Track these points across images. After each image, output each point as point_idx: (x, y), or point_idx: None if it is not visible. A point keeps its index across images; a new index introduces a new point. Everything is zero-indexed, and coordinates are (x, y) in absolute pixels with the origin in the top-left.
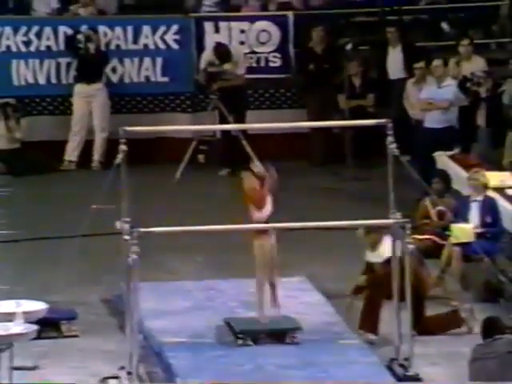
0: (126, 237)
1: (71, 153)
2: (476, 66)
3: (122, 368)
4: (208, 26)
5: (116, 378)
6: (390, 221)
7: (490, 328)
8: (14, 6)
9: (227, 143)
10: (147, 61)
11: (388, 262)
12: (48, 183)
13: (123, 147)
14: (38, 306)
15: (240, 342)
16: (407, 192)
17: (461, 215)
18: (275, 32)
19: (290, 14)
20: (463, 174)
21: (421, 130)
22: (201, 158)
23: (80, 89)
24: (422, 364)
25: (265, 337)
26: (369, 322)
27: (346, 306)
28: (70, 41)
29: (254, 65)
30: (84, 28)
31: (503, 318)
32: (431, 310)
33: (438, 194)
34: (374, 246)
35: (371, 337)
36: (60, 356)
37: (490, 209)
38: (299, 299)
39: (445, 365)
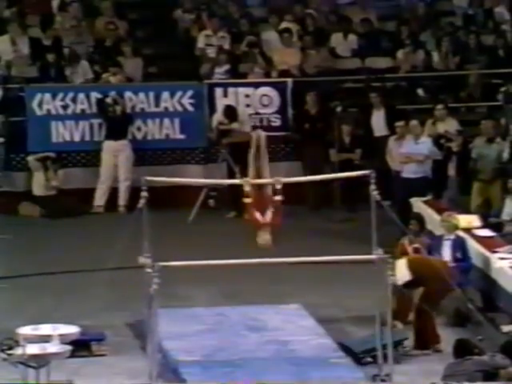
0: (148, 270)
1: (100, 198)
2: (450, 126)
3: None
4: (218, 92)
5: None
6: (374, 256)
7: (461, 349)
8: (54, 76)
9: (234, 190)
10: (167, 121)
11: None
12: (80, 224)
13: (145, 194)
14: (71, 330)
15: (363, 361)
16: (388, 232)
17: (434, 252)
18: (276, 96)
19: (289, 81)
20: (436, 216)
21: (399, 180)
22: (211, 202)
23: (108, 145)
24: (401, 379)
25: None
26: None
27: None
28: (100, 104)
29: (258, 124)
30: (112, 93)
31: (471, 339)
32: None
33: (414, 234)
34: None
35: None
36: (90, 372)
37: (460, 246)
38: (296, 323)
39: (421, 380)
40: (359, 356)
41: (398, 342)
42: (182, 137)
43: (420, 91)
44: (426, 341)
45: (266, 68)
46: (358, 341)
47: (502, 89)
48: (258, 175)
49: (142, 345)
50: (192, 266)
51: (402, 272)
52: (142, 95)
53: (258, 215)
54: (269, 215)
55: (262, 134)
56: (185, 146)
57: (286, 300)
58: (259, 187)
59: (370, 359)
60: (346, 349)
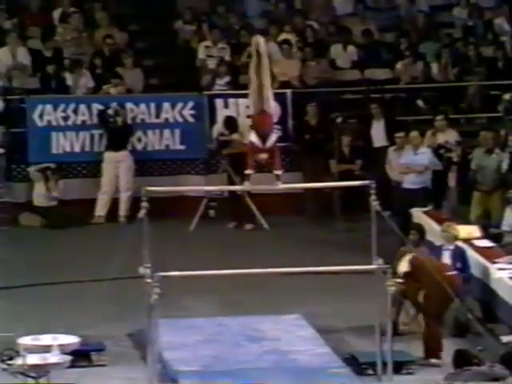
0: (148, 280)
1: (101, 209)
2: (450, 137)
3: None
4: (219, 103)
5: None
6: (374, 266)
7: (461, 359)
8: (55, 87)
9: (234, 201)
10: (167, 132)
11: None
12: (81, 235)
13: (145, 204)
14: (71, 340)
15: (365, 372)
16: (388, 242)
17: None
18: (276, 107)
19: (289, 92)
20: (436, 227)
21: (399, 190)
22: (211, 213)
23: (109, 156)
24: None
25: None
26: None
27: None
28: (102, 115)
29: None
30: (113, 104)
31: (471, 350)
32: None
33: (414, 244)
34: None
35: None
36: (90, 382)
37: (459, 256)
38: (295, 333)
39: None
40: (362, 367)
41: (404, 362)
42: (182, 147)
43: (420, 102)
44: (435, 350)
45: None
46: (366, 353)
47: (507, 97)
48: (260, 87)
49: (142, 355)
50: (192, 276)
51: (403, 265)
52: (143, 106)
53: (256, 140)
54: (271, 140)
55: (261, 39)
56: (185, 157)
57: (286, 310)
58: (261, 106)
59: (371, 372)
60: (352, 358)
